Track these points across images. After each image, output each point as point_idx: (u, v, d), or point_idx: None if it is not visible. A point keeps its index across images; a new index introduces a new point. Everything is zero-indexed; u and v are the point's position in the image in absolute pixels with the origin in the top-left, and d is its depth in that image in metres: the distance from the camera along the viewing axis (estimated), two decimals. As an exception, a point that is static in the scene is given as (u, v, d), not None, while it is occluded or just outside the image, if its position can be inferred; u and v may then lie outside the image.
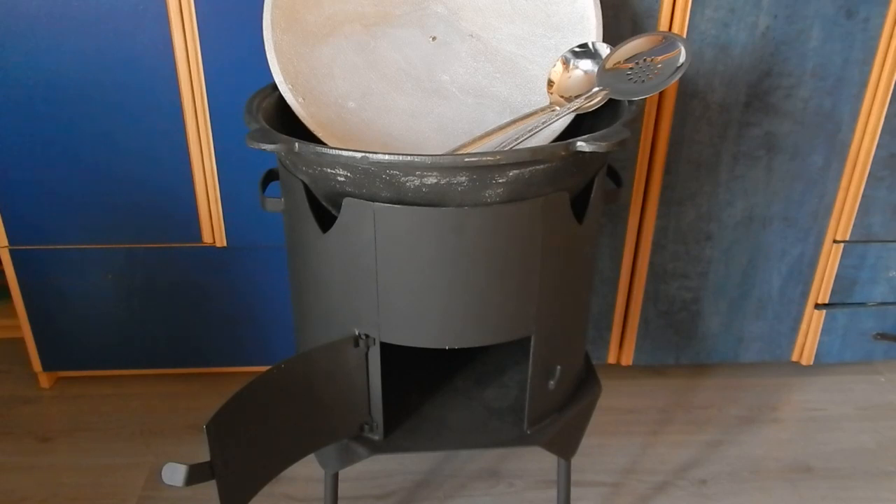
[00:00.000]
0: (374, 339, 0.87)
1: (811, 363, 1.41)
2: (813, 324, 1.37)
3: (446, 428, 0.99)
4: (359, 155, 0.74)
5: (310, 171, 0.81)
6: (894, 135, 1.20)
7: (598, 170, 0.89)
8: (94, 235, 1.23)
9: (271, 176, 0.99)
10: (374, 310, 0.85)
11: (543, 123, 0.92)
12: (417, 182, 0.76)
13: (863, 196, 1.25)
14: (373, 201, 0.78)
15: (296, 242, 0.92)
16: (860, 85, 1.16)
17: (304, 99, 0.90)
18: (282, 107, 0.92)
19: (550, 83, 0.95)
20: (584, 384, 1.05)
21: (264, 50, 0.90)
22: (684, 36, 1.09)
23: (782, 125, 1.18)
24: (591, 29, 0.96)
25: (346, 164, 0.76)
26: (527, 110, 0.94)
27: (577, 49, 0.94)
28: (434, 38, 1.00)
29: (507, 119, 0.93)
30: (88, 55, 1.09)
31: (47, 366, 1.36)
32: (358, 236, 0.81)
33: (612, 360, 1.40)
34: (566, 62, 0.94)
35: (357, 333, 0.88)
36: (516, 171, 0.76)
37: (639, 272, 1.31)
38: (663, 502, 1.18)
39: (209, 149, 1.17)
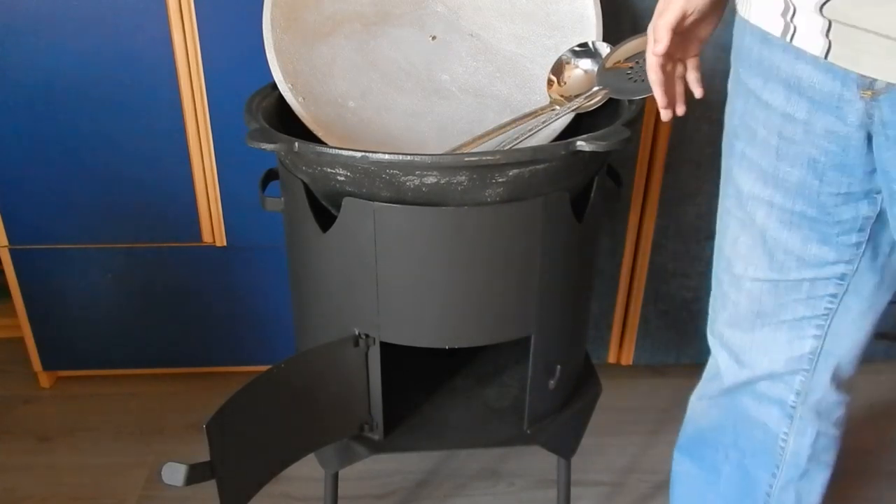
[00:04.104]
0: (374, 339, 0.87)
1: (811, 363, 1.41)
2: (813, 323, 1.37)
3: (446, 427, 0.99)
4: (358, 154, 0.74)
5: (310, 170, 0.81)
6: (894, 134, 1.20)
7: (598, 169, 0.89)
8: (94, 235, 1.23)
9: (271, 175, 0.99)
10: (374, 310, 0.85)
11: (543, 123, 0.92)
12: (417, 181, 0.76)
13: (863, 196, 1.25)
14: (373, 201, 0.78)
15: (296, 242, 0.92)
16: (860, 84, 1.15)
17: (304, 98, 0.90)
18: (282, 106, 0.92)
19: (550, 82, 0.94)
20: (584, 384, 1.05)
21: (264, 50, 0.90)
22: (684, 35, 1.09)
23: (782, 125, 1.18)
24: (590, 28, 0.96)
25: (346, 163, 0.76)
26: (527, 110, 0.94)
27: (577, 48, 0.94)
28: (434, 38, 1.00)
29: (508, 118, 0.93)
30: (88, 55, 1.09)
31: (47, 365, 1.36)
32: (358, 236, 0.81)
33: (612, 359, 1.40)
34: (566, 61, 0.94)
35: (357, 333, 0.88)
36: (516, 171, 0.76)
37: (639, 272, 1.31)
38: (663, 502, 1.17)
39: (209, 148, 1.17)
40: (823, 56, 0.58)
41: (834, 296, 0.73)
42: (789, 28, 0.60)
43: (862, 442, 1.30)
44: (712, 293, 0.82)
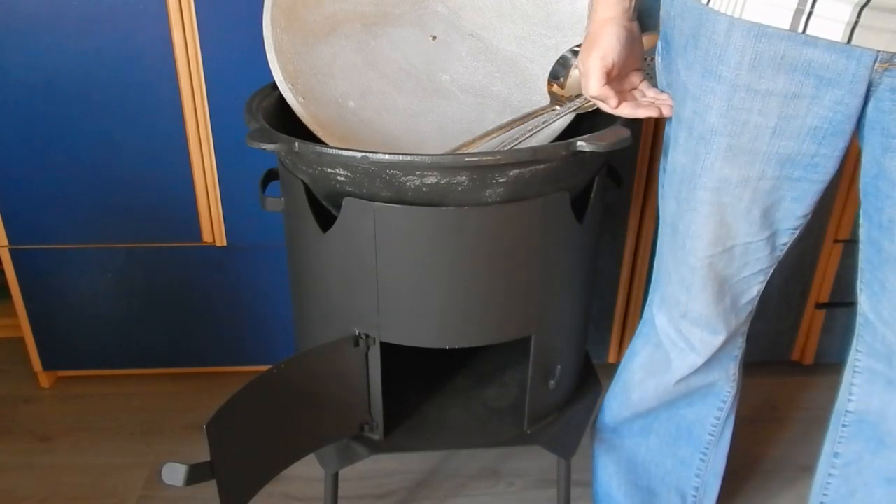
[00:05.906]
0: (374, 339, 0.87)
1: (811, 363, 1.41)
2: (813, 324, 1.37)
3: (446, 427, 0.99)
4: (359, 154, 0.74)
5: (310, 170, 0.81)
6: (894, 134, 1.20)
7: (599, 169, 0.89)
8: (94, 235, 1.23)
9: (271, 175, 0.99)
10: (374, 310, 0.85)
11: (544, 123, 0.92)
12: (418, 182, 0.76)
13: (863, 196, 1.25)
14: (373, 201, 0.78)
15: (296, 242, 0.92)
16: (860, 85, 1.15)
17: (304, 98, 0.90)
18: (282, 106, 0.92)
19: (550, 82, 0.94)
20: (584, 384, 1.05)
21: (264, 49, 0.90)
22: (684, 35, 1.09)
23: (782, 125, 1.18)
24: (591, 28, 0.96)
25: (346, 163, 0.76)
26: (527, 110, 0.94)
27: (577, 48, 0.94)
28: (434, 38, 1.00)
29: (508, 118, 0.93)
30: (88, 55, 1.09)
31: (47, 365, 1.36)
32: (358, 236, 0.81)
33: (612, 359, 1.40)
34: (566, 61, 0.94)
35: (357, 333, 0.88)
36: (517, 171, 0.76)
37: (639, 272, 1.31)
38: (663, 502, 1.17)
39: (209, 148, 1.17)
40: (846, 41, 0.63)
41: (785, 244, 0.81)
42: (800, 20, 0.64)
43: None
44: (677, 288, 0.87)
